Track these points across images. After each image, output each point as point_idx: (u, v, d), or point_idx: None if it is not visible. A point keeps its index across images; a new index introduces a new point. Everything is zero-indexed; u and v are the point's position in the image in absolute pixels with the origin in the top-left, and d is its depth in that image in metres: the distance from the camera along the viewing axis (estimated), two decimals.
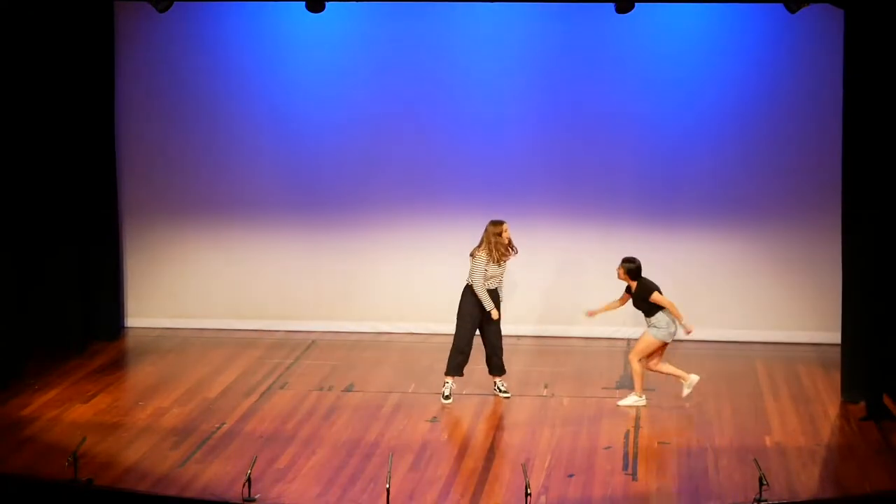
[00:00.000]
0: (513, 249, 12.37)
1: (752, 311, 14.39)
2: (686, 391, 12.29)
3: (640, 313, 12.33)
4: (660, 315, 12.18)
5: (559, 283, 14.57)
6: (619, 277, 12.33)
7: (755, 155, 14.10)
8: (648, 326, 12.26)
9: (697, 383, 12.24)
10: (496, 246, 12.24)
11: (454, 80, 14.33)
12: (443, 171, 14.48)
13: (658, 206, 14.31)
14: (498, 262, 12.27)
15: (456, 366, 12.42)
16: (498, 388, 12.59)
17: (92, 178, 14.31)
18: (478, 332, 12.48)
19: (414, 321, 14.79)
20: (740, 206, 14.23)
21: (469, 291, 12.35)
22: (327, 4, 12.83)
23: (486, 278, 12.26)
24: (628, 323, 14.47)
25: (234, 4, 14.26)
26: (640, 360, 12.26)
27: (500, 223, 12.31)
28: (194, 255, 14.98)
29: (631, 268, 12.26)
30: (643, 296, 12.17)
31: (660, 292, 12.17)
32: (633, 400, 12.34)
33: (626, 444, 11.24)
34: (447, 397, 12.40)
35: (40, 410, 12.14)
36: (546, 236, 14.46)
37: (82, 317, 14.33)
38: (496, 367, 12.58)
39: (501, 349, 12.54)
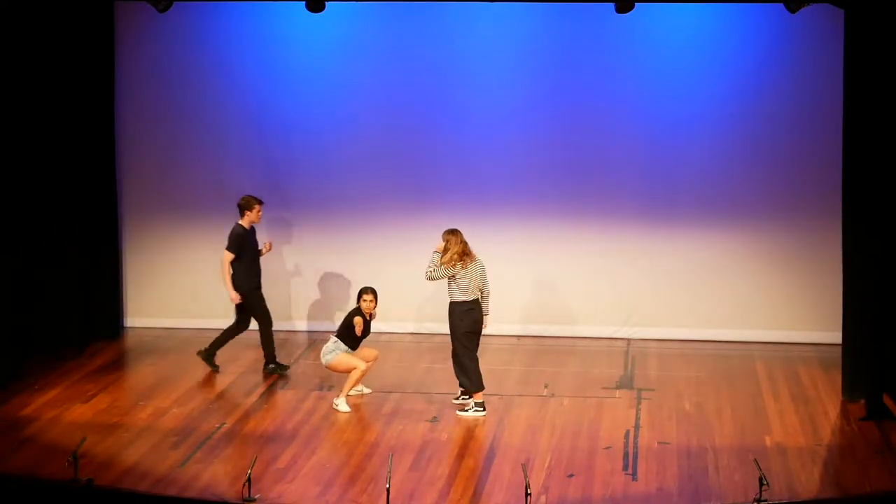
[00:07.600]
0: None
1: (752, 311, 14.37)
2: (339, 402, 12.20)
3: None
4: None
5: (559, 283, 14.55)
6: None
7: (755, 155, 14.09)
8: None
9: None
10: None
11: (455, 81, 14.31)
12: (444, 170, 14.47)
13: (658, 205, 14.29)
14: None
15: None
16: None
17: (92, 177, 14.31)
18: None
19: (414, 321, 14.79)
20: (740, 206, 14.21)
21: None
22: (327, 4, 12.83)
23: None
24: (629, 323, 14.49)
25: (234, 4, 14.26)
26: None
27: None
28: (194, 255, 14.96)
29: None
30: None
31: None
32: (342, 404, 12.23)
33: (626, 444, 11.23)
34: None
35: (40, 410, 12.13)
36: (546, 235, 14.45)
37: (82, 316, 14.33)
38: None
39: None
